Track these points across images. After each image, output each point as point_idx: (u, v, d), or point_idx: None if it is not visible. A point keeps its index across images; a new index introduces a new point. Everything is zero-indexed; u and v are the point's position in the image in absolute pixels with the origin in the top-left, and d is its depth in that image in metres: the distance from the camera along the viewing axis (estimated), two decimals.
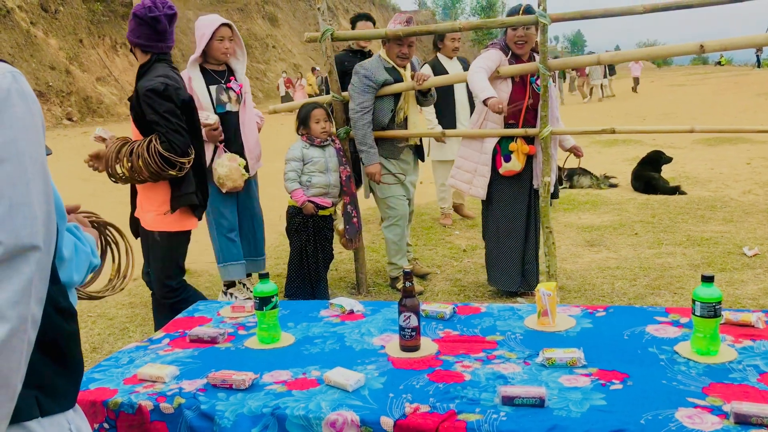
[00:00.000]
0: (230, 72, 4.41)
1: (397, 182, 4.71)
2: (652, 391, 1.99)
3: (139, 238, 3.62)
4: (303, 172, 4.52)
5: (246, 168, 4.40)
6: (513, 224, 4.49)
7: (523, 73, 4.34)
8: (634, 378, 2.08)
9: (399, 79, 4.58)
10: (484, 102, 4.11)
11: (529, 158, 4.43)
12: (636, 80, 28.12)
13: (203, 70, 4.31)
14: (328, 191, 4.58)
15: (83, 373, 1.26)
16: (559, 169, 8.67)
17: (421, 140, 4.95)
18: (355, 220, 4.72)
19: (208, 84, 4.29)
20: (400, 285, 4.71)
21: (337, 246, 4.99)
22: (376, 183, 4.65)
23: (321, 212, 4.59)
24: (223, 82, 4.33)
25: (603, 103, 24.16)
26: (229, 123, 4.35)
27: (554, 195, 5.20)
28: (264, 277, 2.51)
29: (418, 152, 4.96)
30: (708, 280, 2.19)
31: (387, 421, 1.91)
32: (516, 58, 4.38)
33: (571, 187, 8.53)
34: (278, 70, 31.52)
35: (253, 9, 32.99)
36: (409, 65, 4.69)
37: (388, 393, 2.06)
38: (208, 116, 4.20)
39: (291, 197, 4.54)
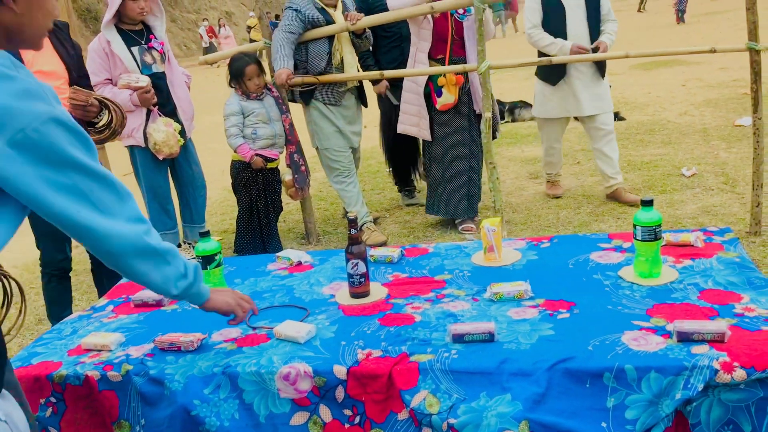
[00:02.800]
0: (148, 30, 4.18)
1: (335, 127, 4.62)
2: (598, 317, 2.03)
3: None
4: (245, 125, 4.40)
5: (182, 132, 4.25)
6: (457, 155, 4.61)
7: (458, 7, 4.28)
8: (581, 306, 2.12)
9: (330, 20, 4.46)
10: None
11: (463, 88, 4.50)
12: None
13: (120, 32, 4.07)
14: (275, 141, 4.48)
15: (6, 358, 1.20)
16: (500, 103, 8.75)
17: (362, 84, 4.85)
18: (303, 168, 4.64)
19: (129, 46, 4.06)
20: (366, 237, 4.69)
21: (283, 196, 4.92)
22: (285, 88, 4.48)
23: (269, 164, 4.50)
24: (143, 42, 4.11)
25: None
26: (158, 85, 4.15)
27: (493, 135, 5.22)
28: (204, 235, 2.44)
29: (361, 97, 4.88)
30: (647, 204, 2.22)
31: (340, 370, 1.91)
32: None
33: (513, 120, 8.56)
34: (211, 18, 30.51)
35: None
36: (340, 5, 4.56)
37: (340, 341, 2.05)
38: (138, 78, 4.00)
39: (237, 153, 4.42)
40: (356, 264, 2.32)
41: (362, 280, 2.34)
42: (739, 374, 1.71)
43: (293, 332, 2.08)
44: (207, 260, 2.42)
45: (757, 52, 3.97)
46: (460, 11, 4.43)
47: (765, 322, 1.90)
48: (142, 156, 4.19)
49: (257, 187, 4.45)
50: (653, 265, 2.24)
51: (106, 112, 3.22)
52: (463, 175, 4.64)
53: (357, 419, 1.91)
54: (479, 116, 4.57)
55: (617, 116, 8.04)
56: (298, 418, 1.93)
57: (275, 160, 4.51)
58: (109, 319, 2.44)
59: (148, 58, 4.10)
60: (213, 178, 5.31)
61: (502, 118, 8.46)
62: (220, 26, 26.61)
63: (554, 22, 4.76)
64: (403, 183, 5.66)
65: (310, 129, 4.71)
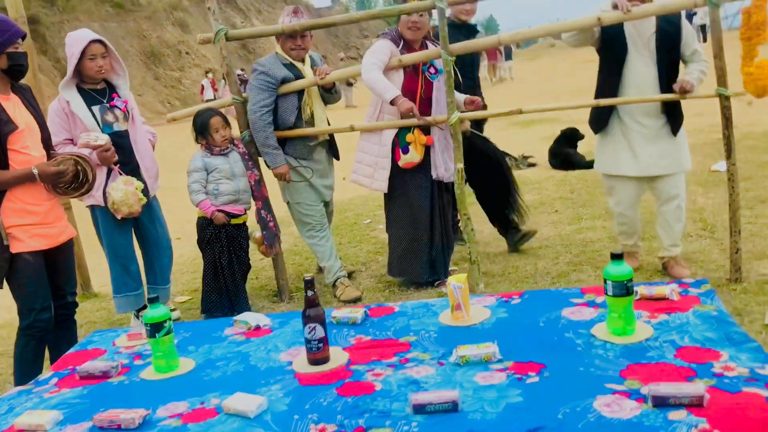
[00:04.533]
0: (111, 89, 4.10)
1: (306, 181, 4.52)
2: (569, 380, 1.90)
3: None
4: (208, 182, 4.30)
5: (145, 191, 4.12)
6: (417, 215, 4.41)
7: (425, 60, 4.24)
8: (551, 368, 1.99)
9: (299, 75, 4.40)
10: (392, 102, 4.07)
11: (428, 149, 4.37)
12: None
13: (81, 91, 3.98)
14: (239, 197, 4.37)
15: None
16: (506, 155, 8.75)
17: (333, 137, 4.77)
18: (271, 224, 4.52)
19: (89, 105, 3.97)
20: (339, 292, 4.55)
21: (257, 254, 4.78)
22: (286, 182, 4.45)
23: (234, 221, 4.37)
24: (105, 101, 4.02)
25: (515, 84, 24.46)
26: (121, 143, 4.04)
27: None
28: (153, 301, 2.30)
29: (332, 150, 4.80)
30: (617, 257, 2.12)
31: None
32: (408, 48, 4.30)
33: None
34: (194, 76, 30.73)
35: (162, 16, 32.00)
36: (309, 60, 4.51)
37: (293, 415, 1.90)
38: (97, 137, 3.89)
39: (199, 209, 4.31)
40: (313, 328, 2.19)
41: (320, 345, 2.20)
42: None
43: (243, 406, 1.93)
44: (155, 328, 2.27)
45: (726, 97, 3.94)
46: (432, 71, 4.37)
47: (745, 383, 1.78)
48: (103, 216, 4.05)
49: (220, 244, 4.32)
50: (627, 322, 2.13)
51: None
52: (423, 237, 4.46)
53: None
54: (438, 182, 4.46)
55: (594, 164, 8.05)
56: None
57: (240, 216, 4.39)
58: (51, 393, 2.28)
59: (109, 117, 4.00)
60: (190, 234, 5.12)
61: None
62: (223, 79, 26.99)
63: (611, 63, 4.07)
64: (503, 224, 5.15)
65: (281, 184, 4.61)
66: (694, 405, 1.69)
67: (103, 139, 3.88)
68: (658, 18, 3.96)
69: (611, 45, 4.04)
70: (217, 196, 4.30)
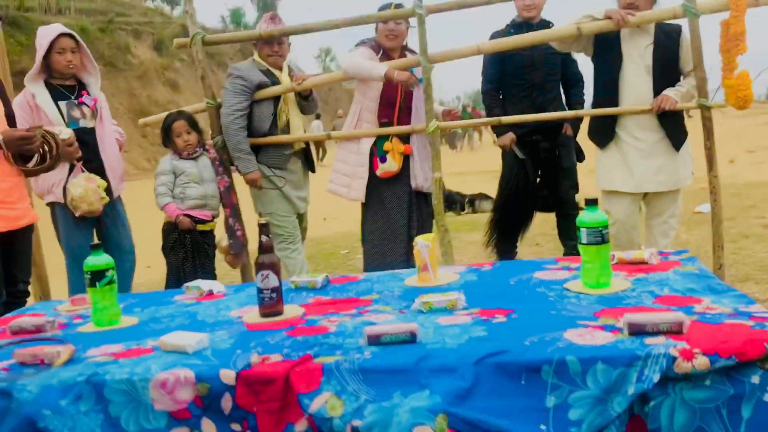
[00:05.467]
0: (82, 87, 4.01)
1: (279, 192, 4.38)
2: (538, 320, 1.74)
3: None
4: (175, 185, 4.16)
5: (108, 191, 3.97)
6: (394, 226, 4.26)
7: (405, 67, 4.19)
8: (520, 312, 1.83)
9: (276, 82, 4.33)
10: (386, 76, 3.98)
11: (407, 158, 4.27)
12: None
13: (49, 86, 3.89)
14: (206, 202, 4.22)
15: None
16: (461, 195, 8.70)
17: (309, 148, 4.67)
18: (239, 233, 4.36)
19: (56, 100, 3.87)
20: None
21: (224, 264, 4.61)
22: (257, 189, 4.31)
23: (200, 227, 4.21)
24: (73, 97, 3.93)
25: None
26: (86, 140, 3.92)
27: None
28: (96, 248, 2.14)
29: (308, 163, 4.69)
30: (592, 203, 1.99)
31: (228, 374, 1.58)
32: (387, 57, 4.27)
33: (473, 212, 8.49)
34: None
35: (152, 76, 32.48)
36: (286, 67, 4.46)
37: (236, 350, 1.72)
38: (61, 131, 3.77)
39: (164, 212, 4.15)
40: (266, 276, 2.02)
41: (273, 296, 2.03)
42: (701, 362, 1.43)
43: (181, 341, 1.75)
44: (96, 276, 2.10)
45: (707, 108, 3.90)
46: (413, 80, 4.32)
47: (729, 317, 1.64)
48: (63, 214, 3.89)
49: (185, 250, 4.14)
50: (602, 273, 1.98)
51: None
52: (400, 249, 4.31)
53: None
54: (419, 192, 4.35)
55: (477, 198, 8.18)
56: None
57: (207, 222, 4.23)
58: None
59: (76, 113, 3.89)
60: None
61: (462, 209, 8.41)
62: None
63: (608, 70, 3.94)
64: (505, 248, 4.89)
65: (253, 193, 4.48)
66: (673, 332, 1.54)
67: (67, 133, 3.76)
68: (656, 30, 3.92)
69: (606, 54, 3.93)
70: (183, 200, 4.16)
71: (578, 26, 3.88)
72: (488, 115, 4.50)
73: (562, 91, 4.63)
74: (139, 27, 35.24)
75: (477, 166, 15.86)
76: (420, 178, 4.29)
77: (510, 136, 4.48)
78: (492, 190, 6.52)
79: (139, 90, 30.52)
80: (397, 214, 4.29)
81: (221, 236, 4.41)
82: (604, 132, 3.98)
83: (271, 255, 2.03)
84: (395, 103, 4.27)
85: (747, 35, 3.82)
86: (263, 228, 2.04)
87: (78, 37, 3.89)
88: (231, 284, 2.71)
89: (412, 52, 4.37)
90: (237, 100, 4.19)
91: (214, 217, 4.31)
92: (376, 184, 4.29)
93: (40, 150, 3.34)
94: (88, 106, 3.94)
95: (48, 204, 3.96)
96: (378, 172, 4.25)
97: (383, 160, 4.24)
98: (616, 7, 3.86)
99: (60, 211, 3.91)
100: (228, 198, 4.30)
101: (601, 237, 1.96)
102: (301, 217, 4.67)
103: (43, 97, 3.81)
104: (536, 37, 4.12)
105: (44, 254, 4.53)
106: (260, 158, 4.37)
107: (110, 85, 29.17)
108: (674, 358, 1.43)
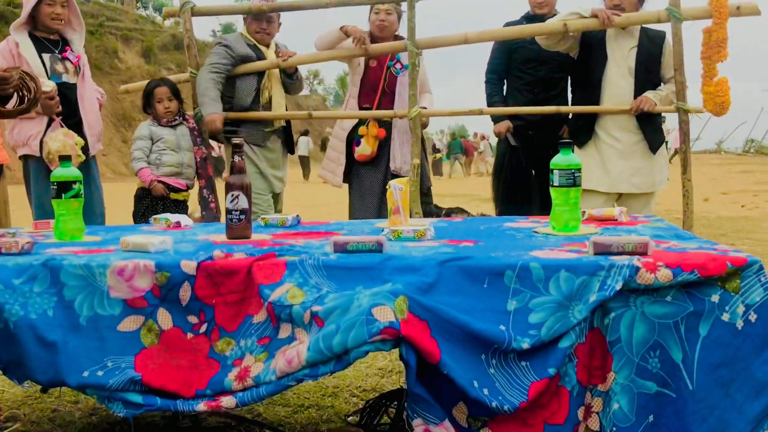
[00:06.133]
0: (66, 43, 3.99)
1: (254, 167, 4.34)
2: (505, 246, 1.74)
3: None
4: (152, 151, 4.13)
5: (84, 149, 3.93)
6: (369, 208, 4.29)
7: (391, 51, 4.24)
8: (488, 242, 1.83)
9: (262, 57, 4.34)
10: (343, 30, 4.16)
11: (387, 142, 4.30)
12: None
13: (34, 38, 3.86)
14: (182, 171, 4.19)
15: None
16: (437, 207, 8.71)
17: (289, 128, 4.66)
18: (212, 205, 4.32)
19: (39, 52, 3.84)
20: None
21: None
22: (216, 132, 4.20)
23: (173, 195, 4.17)
24: (57, 51, 3.90)
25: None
26: (67, 95, 3.88)
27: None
28: (65, 159, 2.10)
29: (287, 143, 4.68)
30: (566, 145, 2.01)
31: (188, 264, 1.55)
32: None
33: None
34: None
35: (138, 81, 32.43)
36: (274, 45, 4.47)
37: (199, 251, 1.69)
38: (43, 82, 3.74)
39: (138, 177, 4.11)
40: (236, 197, 2.00)
41: (242, 217, 2.00)
42: (664, 274, 1.43)
43: (143, 240, 1.72)
44: (63, 187, 2.06)
45: (685, 112, 3.96)
46: (398, 66, 4.38)
47: (693, 249, 1.65)
48: (36, 167, 3.83)
49: None
50: (571, 215, 1.99)
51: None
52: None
53: (203, 327, 1.53)
54: (395, 175, 4.36)
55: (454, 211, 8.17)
56: (129, 323, 1.54)
57: (182, 191, 4.19)
58: None
59: (59, 67, 3.86)
60: None
61: None
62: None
63: (592, 69, 4.00)
64: None
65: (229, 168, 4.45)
66: (638, 252, 1.54)
67: (49, 85, 3.72)
68: (641, 33, 3.98)
69: (591, 54, 3.98)
70: (158, 167, 4.12)
71: (565, 23, 3.95)
72: (488, 104, 4.49)
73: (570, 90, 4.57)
74: (129, 33, 35.21)
75: (460, 191, 15.90)
76: (398, 161, 4.30)
77: (506, 124, 4.40)
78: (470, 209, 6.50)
79: (123, 95, 30.35)
80: (370, 196, 4.31)
81: (194, 208, 4.38)
82: (584, 131, 4.03)
83: (242, 176, 2.01)
84: (378, 88, 4.31)
85: (728, 43, 3.94)
86: (236, 148, 2.03)
87: None
88: None
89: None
90: (218, 60, 4.16)
91: (188, 187, 4.27)
92: (356, 168, 4.33)
93: (18, 93, 3.30)
94: (71, 62, 3.92)
95: (21, 157, 3.90)
96: (355, 155, 4.29)
97: (358, 143, 4.29)
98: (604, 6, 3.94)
99: (33, 164, 3.85)
100: (204, 169, 4.27)
101: (572, 179, 1.97)
102: (276, 197, 4.65)
103: (27, 46, 3.77)
104: (523, 31, 4.18)
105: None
106: (239, 133, 4.35)
107: None
108: (637, 269, 1.44)
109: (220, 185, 4.39)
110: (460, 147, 25.95)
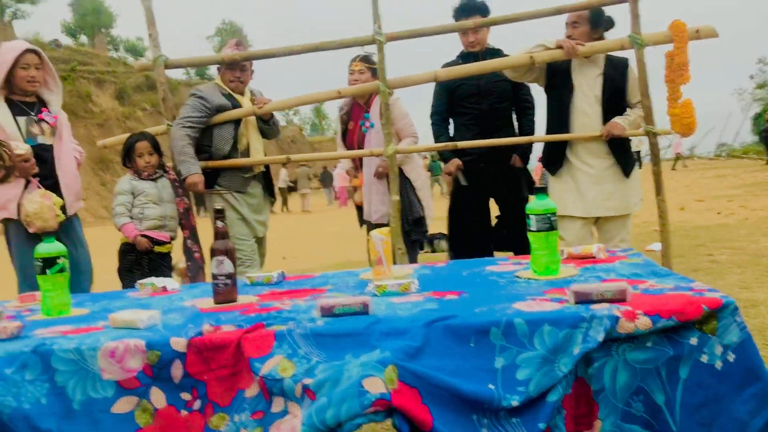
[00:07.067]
0: (42, 104, 4.00)
1: (237, 213, 4.38)
2: (489, 298, 1.78)
3: None
4: (134, 206, 4.14)
5: (63, 209, 3.93)
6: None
7: (364, 93, 4.32)
8: (471, 293, 1.87)
9: (237, 105, 4.39)
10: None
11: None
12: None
13: (9, 102, 3.88)
14: (165, 223, 4.19)
15: None
16: (423, 234, 8.77)
17: (269, 173, 4.70)
18: (197, 255, 4.32)
19: (15, 115, 3.85)
20: None
21: None
22: (200, 194, 4.26)
23: (157, 248, 4.17)
24: (33, 113, 3.92)
25: None
26: (43, 156, 3.89)
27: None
28: (49, 235, 2.12)
29: (268, 188, 4.71)
30: (541, 191, 2.06)
31: (179, 342, 1.57)
32: (352, 101, 4.51)
33: (432, 251, 8.55)
34: None
35: (113, 124, 32.30)
36: (248, 92, 4.52)
37: (188, 324, 1.71)
38: (17, 146, 3.75)
39: (122, 232, 4.11)
40: (221, 262, 2.03)
41: (228, 282, 2.03)
42: (643, 322, 1.48)
43: (132, 316, 1.74)
44: (48, 263, 2.08)
45: (654, 134, 4.05)
46: (367, 124, 4.52)
47: (669, 290, 1.70)
48: (16, 231, 3.81)
49: (142, 272, 4.08)
50: (551, 259, 2.03)
51: None
52: None
53: (197, 404, 1.54)
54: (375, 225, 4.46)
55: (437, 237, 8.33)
56: (123, 405, 1.55)
57: (166, 243, 4.19)
58: None
59: (35, 129, 3.87)
60: None
61: (422, 248, 8.46)
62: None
63: (560, 98, 4.04)
64: None
65: (212, 214, 4.47)
66: (617, 299, 1.59)
67: (24, 148, 3.73)
68: (606, 62, 4.06)
69: (558, 83, 4.06)
70: (141, 221, 4.12)
71: (531, 55, 4.04)
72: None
73: (515, 118, 4.73)
74: (101, 76, 35.22)
75: (443, 213, 15.94)
76: (366, 211, 4.43)
77: (455, 162, 4.52)
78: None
79: (99, 138, 30.11)
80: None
81: (178, 258, 4.38)
82: (556, 158, 4.09)
83: (226, 241, 2.04)
84: (353, 146, 4.54)
85: (690, 66, 4.05)
86: (218, 213, 2.06)
87: (43, 54, 3.90)
88: None
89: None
90: (192, 113, 4.19)
91: (172, 239, 4.27)
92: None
93: None
94: (48, 123, 3.93)
95: (1, 221, 3.89)
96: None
97: (355, 191, 4.47)
98: (563, 37, 4.04)
99: (13, 228, 3.84)
100: (187, 219, 4.28)
101: (549, 224, 2.02)
102: (260, 241, 4.67)
103: (3, 112, 3.79)
104: (491, 65, 4.26)
105: None
106: (220, 181, 4.37)
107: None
108: (617, 318, 1.48)
109: (205, 233, 4.42)
110: (440, 170, 26.22)
